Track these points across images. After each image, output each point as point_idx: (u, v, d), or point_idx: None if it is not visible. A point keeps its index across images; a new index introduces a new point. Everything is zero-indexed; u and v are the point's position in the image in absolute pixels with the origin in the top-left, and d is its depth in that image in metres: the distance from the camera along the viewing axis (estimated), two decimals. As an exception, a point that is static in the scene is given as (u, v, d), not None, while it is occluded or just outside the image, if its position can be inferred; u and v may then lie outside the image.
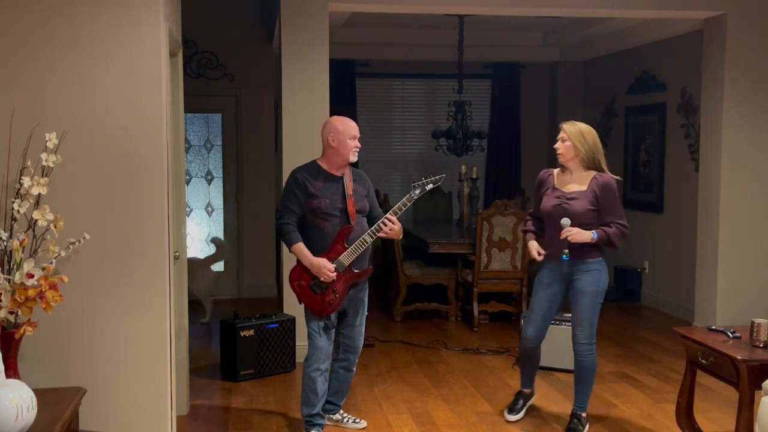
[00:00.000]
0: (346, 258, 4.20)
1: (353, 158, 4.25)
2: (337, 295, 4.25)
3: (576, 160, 4.37)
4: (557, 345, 5.39)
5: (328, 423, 4.55)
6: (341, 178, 4.27)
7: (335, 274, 4.18)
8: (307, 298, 4.28)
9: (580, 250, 4.32)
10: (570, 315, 4.62)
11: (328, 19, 5.86)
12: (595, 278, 4.36)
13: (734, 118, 6.19)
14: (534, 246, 4.52)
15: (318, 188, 4.21)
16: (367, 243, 4.21)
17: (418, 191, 4.26)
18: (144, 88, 3.49)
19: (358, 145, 4.27)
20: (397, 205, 4.24)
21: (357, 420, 4.61)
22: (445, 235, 7.58)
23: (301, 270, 4.28)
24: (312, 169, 4.30)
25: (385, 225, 4.19)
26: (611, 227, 4.32)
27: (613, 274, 8.48)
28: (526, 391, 4.81)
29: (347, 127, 4.22)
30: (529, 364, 4.75)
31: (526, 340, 4.61)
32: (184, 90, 4.67)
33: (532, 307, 4.58)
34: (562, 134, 4.40)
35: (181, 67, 4.63)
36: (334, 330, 4.34)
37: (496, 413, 4.84)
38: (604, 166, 4.40)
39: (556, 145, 4.43)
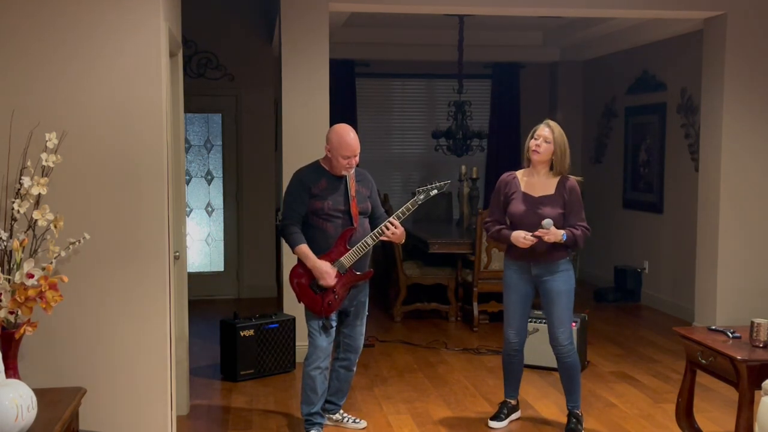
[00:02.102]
0: (347, 260, 4.21)
1: (345, 173, 4.23)
2: (337, 296, 4.25)
3: (548, 163, 4.38)
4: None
5: (327, 423, 4.55)
6: (344, 178, 4.27)
7: (334, 280, 4.18)
8: (306, 298, 4.28)
9: (550, 252, 4.34)
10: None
11: (328, 19, 5.86)
12: (565, 278, 4.40)
13: (734, 118, 6.18)
14: (520, 233, 4.29)
15: (321, 189, 4.21)
16: (368, 245, 4.22)
17: (422, 196, 4.24)
18: (144, 88, 3.49)
19: (352, 164, 4.20)
20: (400, 210, 4.23)
21: (357, 420, 4.61)
22: (445, 235, 7.58)
23: (301, 270, 4.28)
24: (315, 169, 4.30)
25: (388, 229, 4.18)
26: (577, 229, 4.35)
27: (613, 274, 8.49)
28: (511, 401, 4.71)
29: (341, 146, 4.15)
30: (512, 369, 4.67)
31: (509, 342, 4.57)
32: (184, 90, 4.68)
33: (507, 310, 4.56)
34: (547, 134, 4.33)
35: (181, 67, 4.63)
36: (333, 330, 4.34)
37: (496, 413, 4.84)
38: (567, 170, 4.42)
39: (537, 143, 4.34)
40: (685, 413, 4.22)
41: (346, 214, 4.24)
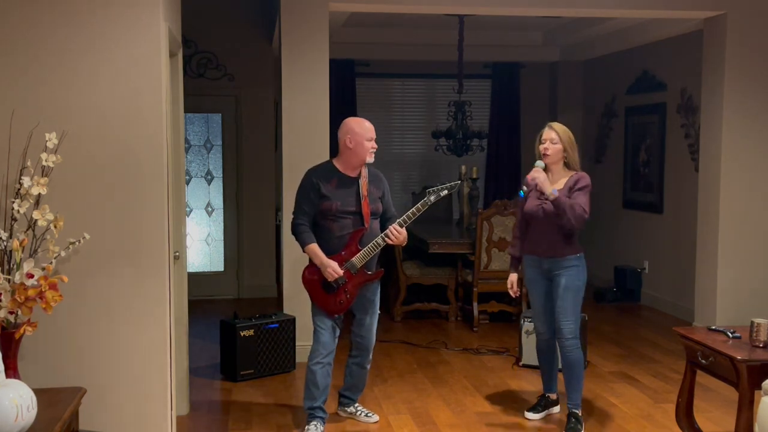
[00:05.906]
0: (358, 260, 4.26)
1: (370, 159, 4.28)
2: (348, 296, 4.31)
3: (560, 163, 4.46)
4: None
5: (341, 414, 4.65)
6: (356, 179, 4.30)
7: (338, 274, 4.22)
8: (318, 297, 4.33)
9: (559, 247, 4.42)
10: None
11: (328, 19, 5.86)
12: (575, 273, 4.45)
13: (734, 118, 6.18)
14: (513, 279, 4.69)
15: (330, 190, 4.25)
16: (379, 246, 4.27)
17: (432, 197, 4.28)
18: (144, 88, 3.49)
19: (375, 146, 4.30)
20: (410, 210, 4.27)
21: (369, 414, 4.67)
22: (445, 235, 7.57)
23: (313, 269, 4.32)
24: (326, 170, 4.33)
25: (395, 231, 4.24)
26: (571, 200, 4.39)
27: (613, 274, 8.49)
28: (551, 396, 4.77)
29: (364, 129, 4.24)
30: (546, 361, 4.73)
31: (539, 334, 4.66)
32: (184, 90, 4.68)
33: (533, 305, 4.66)
34: (552, 135, 4.43)
35: (181, 67, 4.63)
36: (340, 330, 4.41)
37: (496, 413, 4.84)
38: (578, 163, 4.53)
39: (545, 146, 4.45)
40: (685, 413, 4.22)
41: (356, 214, 4.27)
